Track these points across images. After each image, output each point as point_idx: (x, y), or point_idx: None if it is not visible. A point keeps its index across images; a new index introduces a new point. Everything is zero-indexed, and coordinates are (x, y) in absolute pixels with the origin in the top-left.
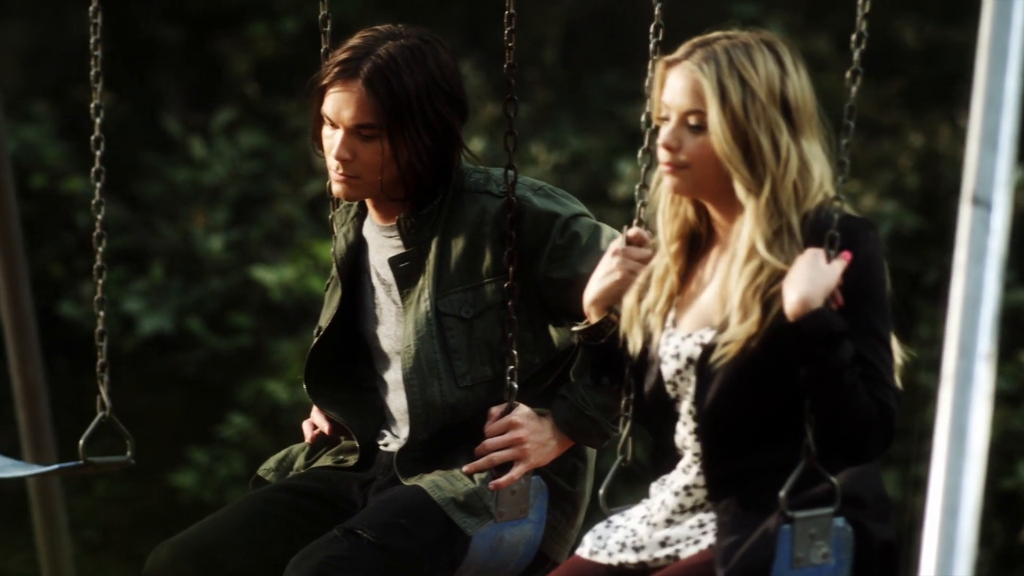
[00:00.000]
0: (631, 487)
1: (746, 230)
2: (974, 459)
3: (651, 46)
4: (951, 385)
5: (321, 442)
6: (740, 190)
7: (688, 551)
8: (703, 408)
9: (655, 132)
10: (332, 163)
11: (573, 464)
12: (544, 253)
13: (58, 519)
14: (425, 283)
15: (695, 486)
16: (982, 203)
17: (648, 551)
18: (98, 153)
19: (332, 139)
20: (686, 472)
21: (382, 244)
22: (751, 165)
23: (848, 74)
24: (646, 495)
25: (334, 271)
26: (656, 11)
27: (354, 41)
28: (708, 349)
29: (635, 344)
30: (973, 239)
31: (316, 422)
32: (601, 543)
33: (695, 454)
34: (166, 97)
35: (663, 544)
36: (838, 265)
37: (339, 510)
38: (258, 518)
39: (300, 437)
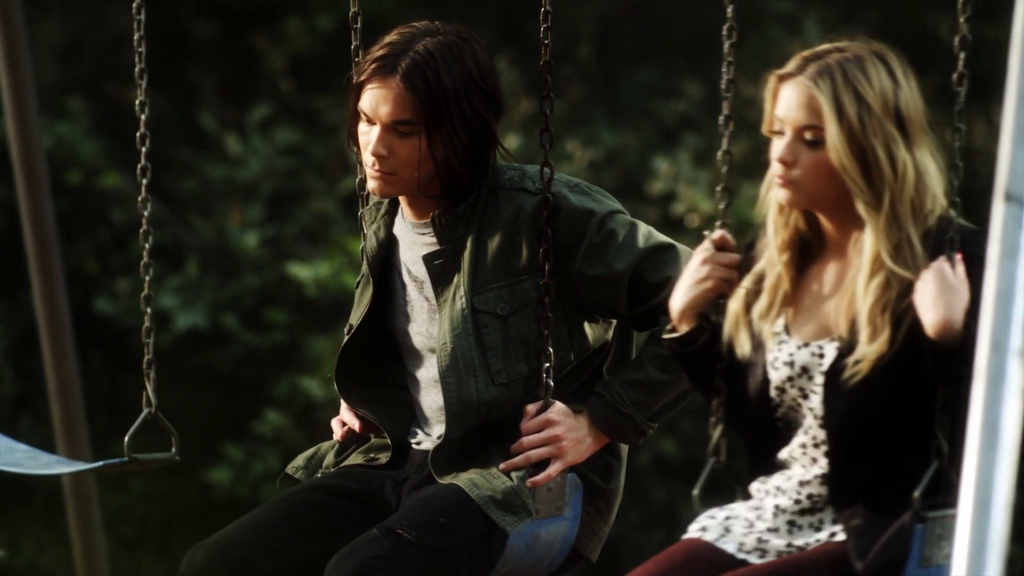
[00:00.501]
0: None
1: (869, 244)
2: (1006, 454)
3: (725, 48)
4: (983, 381)
5: (351, 440)
6: (860, 205)
7: (812, 543)
8: (833, 424)
9: (733, 133)
10: (368, 159)
11: (607, 461)
12: (580, 250)
13: (92, 516)
14: (460, 280)
15: (817, 495)
16: (1015, 199)
17: (770, 556)
18: (144, 150)
19: (368, 135)
20: (804, 481)
21: (415, 241)
22: (869, 180)
23: (955, 76)
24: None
25: (364, 268)
26: (728, 12)
27: (391, 37)
28: (835, 364)
29: (743, 349)
30: (1005, 235)
31: (346, 420)
32: (723, 531)
33: (813, 459)
34: (201, 93)
35: (788, 546)
36: (963, 274)
37: (373, 509)
38: (293, 519)
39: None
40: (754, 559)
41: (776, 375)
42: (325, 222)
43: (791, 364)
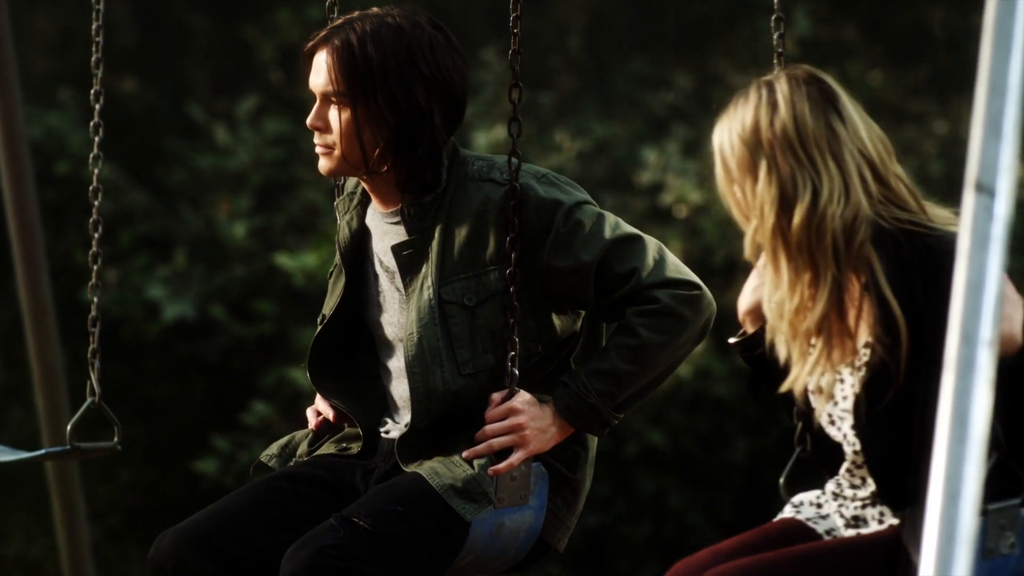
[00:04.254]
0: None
1: None
2: (975, 446)
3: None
4: (953, 372)
5: (324, 429)
6: None
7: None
8: (868, 453)
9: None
10: (315, 136)
11: (574, 451)
12: (547, 241)
13: (77, 507)
14: (428, 271)
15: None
16: (985, 190)
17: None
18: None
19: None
20: (859, 497)
21: (385, 231)
22: None
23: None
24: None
25: (337, 259)
26: (775, 2)
27: (348, 15)
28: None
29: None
30: (976, 225)
31: (320, 409)
32: (816, 512)
33: (863, 479)
34: (191, 84)
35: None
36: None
37: (342, 497)
38: (262, 505)
39: None
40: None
41: (814, 400)
42: (314, 213)
43: (820, 390)
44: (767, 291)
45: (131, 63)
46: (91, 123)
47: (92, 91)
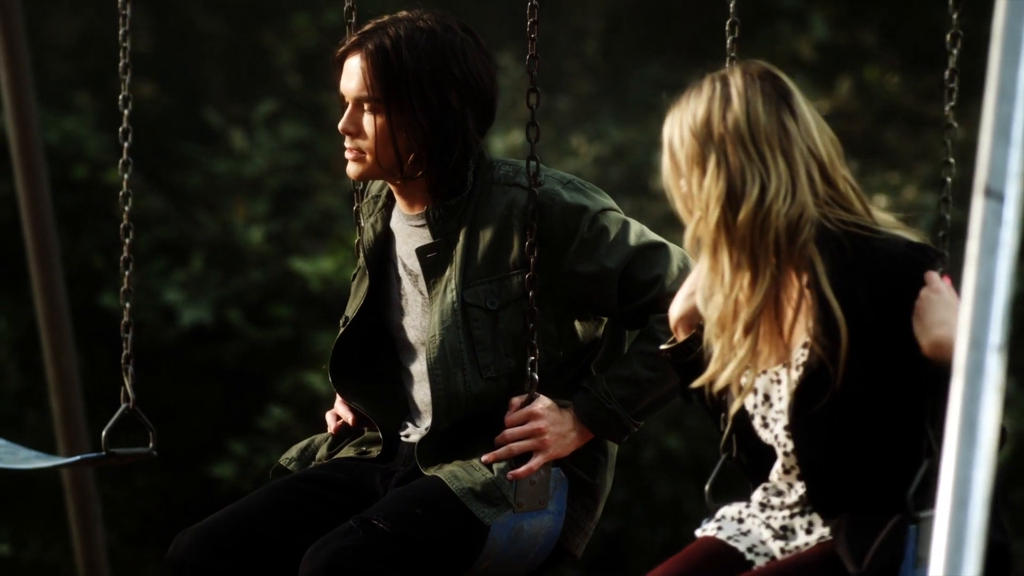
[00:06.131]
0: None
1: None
2: (984, 451)
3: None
4: (962, 377)
5: (344, 433)
6: None
7: (803, 546)
8: (801, 455)
9: None
10: (345, 140)
11: (594, 456)
12: (572, 246)
13: (92, 511)
14: (452, 273)
15: (805, 507)
16: (994, 195)
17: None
18: (125, 144)
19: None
20: (787, 504)
21: (410, 234)
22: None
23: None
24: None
25: (361, 261)
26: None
27: (375, 21)
28: (793, 391)
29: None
30: (985, 231)
31: (340, 413)
32: (737, 530)
33: (789, 484)
34: (208, 88)
35: (783, 551)
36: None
37: (361, 500)
38: (280, 507)
39: None
40: (760, 561)
41: (748, 401)
42: (330, 217)
43: (755, 391)
44: (702, 285)
45: (148, 68)
46: (120, 128)
47: (121, 96)
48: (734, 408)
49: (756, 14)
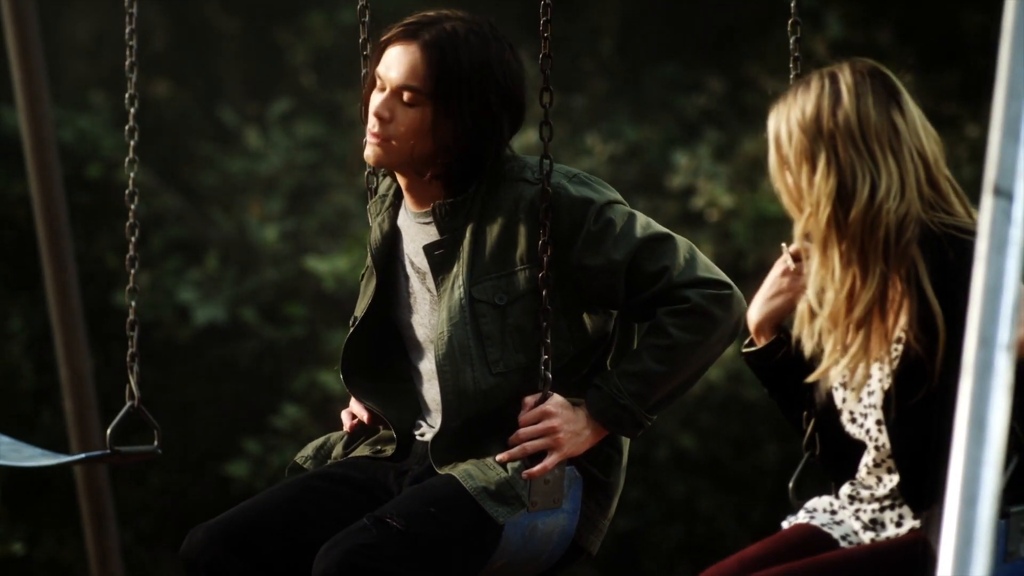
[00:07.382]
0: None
1: None
2: (992, 449)
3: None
4: (971, 375)
5: (359, 432)
6: None
7: (892, 537)
8: (894, 448)
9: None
10: (371, 123)
11: (608, 454)
12: (578, 239)
13: (106, 510)
14: (459, 270)
15: (896, 500)
16: (1003, 193)
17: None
18: (132, 143)
19: (377, 99)
20: (878, 496)
21: (417, 232)
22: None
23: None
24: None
25: (369, 260)
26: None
27: (423, 13)
28: (883, 388)
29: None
30: (994, 229)
31: (355, 411)
32: (830, 519)
33: (879, 479)
34: (223, 87)
35: (873, 542)
36: None
37: (376, 498)
38: (294, 504)
39: None
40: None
41: (837, 396)
42: (345, 216)
43: (843, 386)
44: (812, 281)
45: (163, 66)
46: (127, 127)
47: (127, 95)
48: (844, 405)
49: (771, 13)
